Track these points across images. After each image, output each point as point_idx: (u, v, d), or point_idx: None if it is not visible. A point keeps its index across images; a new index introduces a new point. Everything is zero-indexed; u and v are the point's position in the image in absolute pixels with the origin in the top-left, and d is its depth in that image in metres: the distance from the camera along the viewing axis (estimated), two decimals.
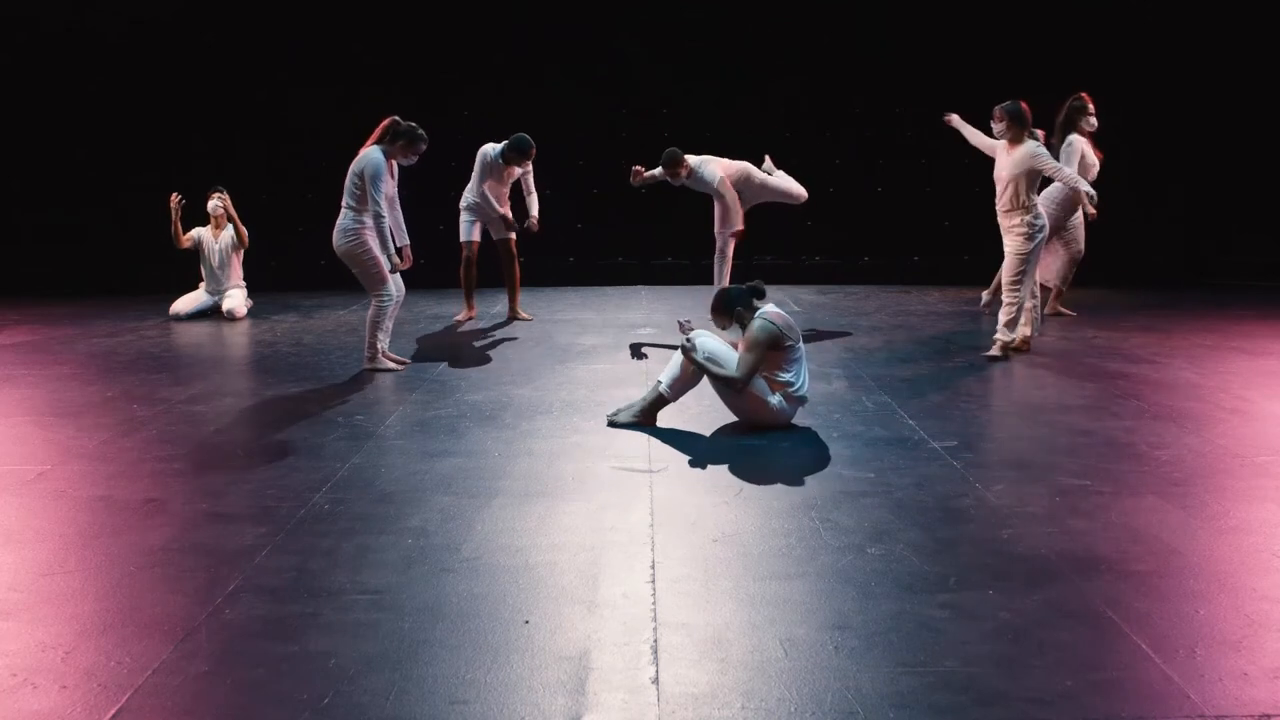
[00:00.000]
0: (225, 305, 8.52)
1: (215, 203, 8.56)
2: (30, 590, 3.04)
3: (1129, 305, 8.75)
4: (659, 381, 4.86)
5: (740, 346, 4.70)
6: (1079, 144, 7.49)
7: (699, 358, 4.62)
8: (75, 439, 4.72)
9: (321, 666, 2.56)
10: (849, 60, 10.26)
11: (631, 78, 10.37)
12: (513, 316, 8.18)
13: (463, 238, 7.92)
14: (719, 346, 4.75)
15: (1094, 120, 7.54)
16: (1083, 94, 7.61)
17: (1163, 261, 10.35)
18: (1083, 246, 7.86)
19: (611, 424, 4.85)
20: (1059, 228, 7.72)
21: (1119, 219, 9.94)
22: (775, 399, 4.68)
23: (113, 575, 3.14)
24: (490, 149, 7.69)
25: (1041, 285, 7.45)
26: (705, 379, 4.78)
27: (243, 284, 8.74)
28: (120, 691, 2.45)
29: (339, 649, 2.65)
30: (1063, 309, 8.09)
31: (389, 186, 6.02)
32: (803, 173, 8.20)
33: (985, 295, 8.03)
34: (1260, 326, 7.53)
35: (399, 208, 6.17)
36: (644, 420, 4.84)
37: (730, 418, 4.89)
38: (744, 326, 4.74)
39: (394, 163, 6.07)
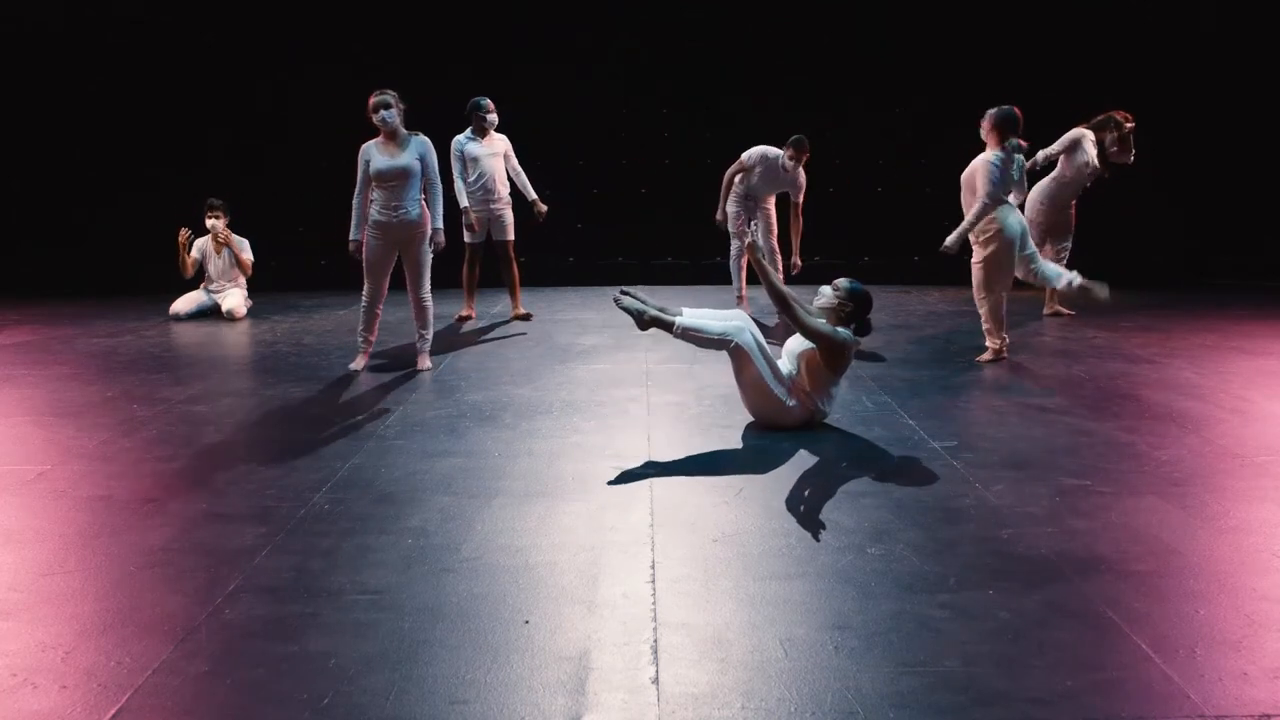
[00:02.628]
0: (225, 305, 8.52)
1: (214, 222, 8.57)
2: (30, 590, 3.04)
3: (1129, 305, 8.74)
4: (680, 315, 4.69)
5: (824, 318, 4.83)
6: (1077, 135, 7.54)
7: (762, 258, 4.86)
8: (75, 439, 4.71)
9: (321, 666, 2.56)
10: (849, 60, 10.25)
11: (631, 78, 10.37)
12: (515, 316, 8.18)
13: (466, 238, 7.93)
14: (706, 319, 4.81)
15: (1114, 139, 7.56)
16: (1130, 117, 7.62)
17: (1163, 261, 10.35)
18: (1069, 242, 7.90)
19: (620, 295, 4.71)
20: (1052, 225, 7.76)
21: (1119, 219, 9.95)
22: (795, 405, 4.72)
23: (113, 575, 3.14)
24: (459, 137, 7.77)
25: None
26: (710, 350, 4.79)
27: (243, 285, 8.75)
28: (120, 691, 2.45)
29: (339, 649, 2.65)
30: (1062, 309, 8.09)
31: (382, 162, 5.83)
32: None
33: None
34: (1260, 326, 7.53)
35: (399, 185, 5.87)
36: (638, 321, 4.64)
37: (730, 418, 4.89)
38: (842, 319, 4.83)
39: (385, 141, 5.88)
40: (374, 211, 5.95)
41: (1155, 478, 4.02)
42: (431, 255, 6.11)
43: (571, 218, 10.37)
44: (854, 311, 4.83)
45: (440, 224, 6.05)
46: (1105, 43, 10.01)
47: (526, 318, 8.15)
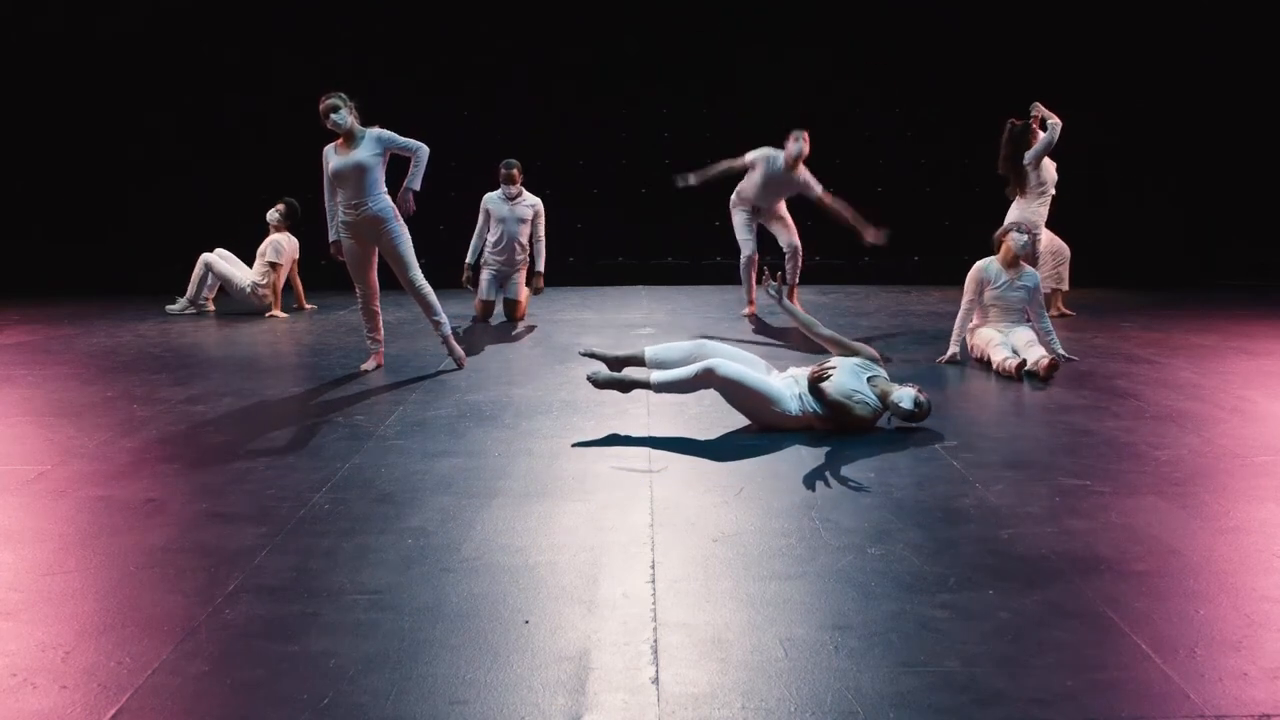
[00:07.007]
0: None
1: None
2: (30, 590, 3.04)
3: (1129, 305, 8.74)
4: (651, 374, 4.81)
5: (844, 383, 4.68)
6: (1036, 156, 7.34)
7: (834, 395, 4.58)
8: (75, 439, 4.71)
9: (321, 666, 2.56)
10: (849, 61, 10.26)
11: (632, 78, 10.37)
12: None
13: (480, 295, 8.11)
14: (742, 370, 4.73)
15: (1031, 134, 7.34)
16: (1015, 120, 7.34)
17: (1163, 261, 10.36)
18: (1065, 245, 7.94)
19: (591, 380, 4.86)
20: (1049, 241, 7.82)
21: (1119, 219, 9.96)
22: (797, 415, 4.71)
23: (113, 575, 3.14)
24: (490, 194, 8.07)
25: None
26: (692, 393, 4.86)
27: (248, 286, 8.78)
28: (120, 691, 2.44)
29: (339, 649, 2.64)
30: (1064, 309, 8.11)
31: (337, 162, 5.82)
32: None
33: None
34: (1260, 326, 7.53)
35: (356, 181, 5.80)
36: (619, 390, 4.87)
37: (730, 418, 4.89)
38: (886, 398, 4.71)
39: (343, 142, 5.85)
40: (340, 212, 5.92)
41: (1155, 478, 4.02)
42: (407, 234, 5.95)
43: (572, 218, 10.38)
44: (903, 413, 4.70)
45: (417, 186, 5.85)
46: (1103, 42, 10.01)
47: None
